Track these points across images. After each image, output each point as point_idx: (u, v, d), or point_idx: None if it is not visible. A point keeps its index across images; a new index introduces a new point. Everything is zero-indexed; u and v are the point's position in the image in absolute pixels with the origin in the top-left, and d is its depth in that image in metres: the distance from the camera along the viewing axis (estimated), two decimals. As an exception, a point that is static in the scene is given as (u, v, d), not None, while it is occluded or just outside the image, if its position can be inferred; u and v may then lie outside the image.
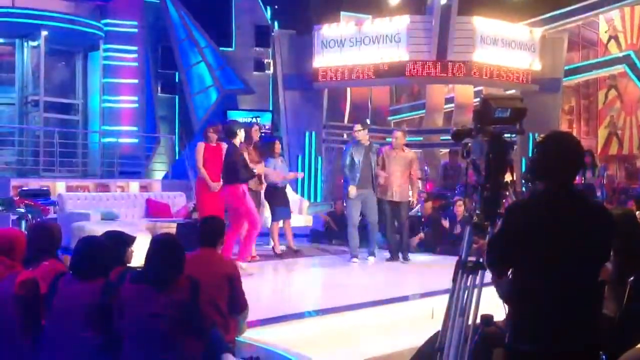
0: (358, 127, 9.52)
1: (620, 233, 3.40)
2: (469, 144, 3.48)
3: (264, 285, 7.97)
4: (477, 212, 3.44)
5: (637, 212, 5.82)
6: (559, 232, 2.84)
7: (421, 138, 16.44)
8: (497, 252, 2.98)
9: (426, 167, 16.46)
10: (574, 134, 17.83)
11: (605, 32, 19.52)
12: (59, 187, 12.61)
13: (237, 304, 4.49)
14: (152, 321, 3.61)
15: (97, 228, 8.33)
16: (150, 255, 3.76)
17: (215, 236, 4.65)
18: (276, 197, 9.66)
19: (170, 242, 3.86)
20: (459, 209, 10.31)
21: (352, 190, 9.16)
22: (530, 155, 14.27)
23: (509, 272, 3.00)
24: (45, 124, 15.42)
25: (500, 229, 2.93)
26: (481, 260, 3.36)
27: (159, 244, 3.82)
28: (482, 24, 13.88)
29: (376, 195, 9.26)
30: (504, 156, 3.44)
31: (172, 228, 9.27)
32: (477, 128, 3.47)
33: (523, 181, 8.31)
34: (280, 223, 9.88)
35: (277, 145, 10.12)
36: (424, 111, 16.70)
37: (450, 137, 3.64)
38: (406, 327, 5.99)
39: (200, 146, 8.95)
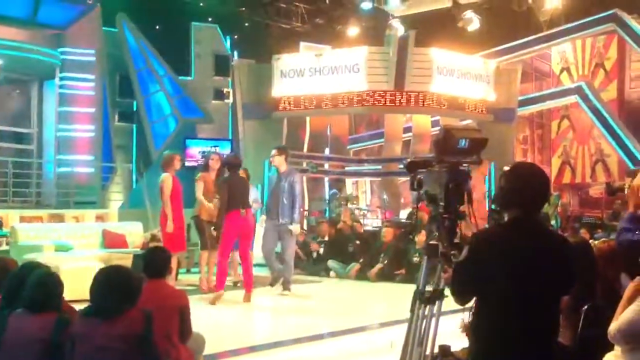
0: (274, 151, 9.38)
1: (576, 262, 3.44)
2: (420, 176, 3.50)
3: (221, 316, 7.87)
4: (434, 241, 3.47)
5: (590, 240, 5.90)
6: (523, 263, 2.87)
7: (380, 167, 16.56)
8: (461, 280, 2.99)
9: (385, 196, 16.59)
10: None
11: (558, 64, 20.06)
12: (12, 218, 12.32)
13: (185, 333, 4.47)
14: (102, 355, 3.52)
15: (50, 260, 8.15)
16: (93, 287, 3.68)
17: (162, 267, 4.57)
18: None
19: (115, 274, 3.77)
20: (421, 237, 10.36)
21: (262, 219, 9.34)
22: (487, 184, 14.46)
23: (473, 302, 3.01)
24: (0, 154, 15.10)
25: (466, 257, 2.94)
26: (440, 288, 3.37)
27: (103, 275, 3.74)
28: (438, 55, 14.12)
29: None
30: (462, 186, 3.48)
31: (128, 259, 9.12)
32: (437, 158, 3.50)
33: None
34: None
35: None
36: (382, 140, 16.84)
37: (405, 168, 3.65)
38: (365, 357, 5.97)
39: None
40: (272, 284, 9.37)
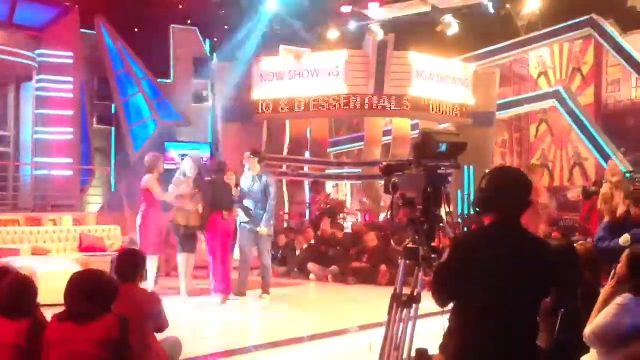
0: (247, 154, 9.31)
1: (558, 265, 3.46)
2: (395, 180, 3.50)
3: (199, 320, 7.83)
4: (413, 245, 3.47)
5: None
6: (503, 266, 2.88)
7: (360, 170, 16.58)
8: (442, 283, 2.99)
9: (365, 199, 16.61)
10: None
11: (536, 68, 20.23)
12: (-12, 221, 12.17)
13: (162, 328, 4.50)
14: (78, 359, 3.48)
15: (27, 264, 8.08)
16: (66, 292, 3.64)
17: (133, 270, 4.51)
18: None
19: (88, 278, 3.72)
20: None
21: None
22: (466, 187, 14.56)
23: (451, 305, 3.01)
24: (-25, 157, 14.93)
25: (447, 260, 2.94)
26: (416, 293, 3.38)
27: (76, 279, 3.69)
28: (417, 59, 14.17)
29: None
30: (440, 190, 3.49)
31: (106, 263, 9.04)
32: (416, 162, 3.50)
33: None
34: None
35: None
36: (362, 143, 16.86)
37: (380, 171, 3.65)
38: (344, 360, 5.97)
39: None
40: (239, 294, 9.03)
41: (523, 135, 21.05)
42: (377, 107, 13.83)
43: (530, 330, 3.00)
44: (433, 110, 14.32)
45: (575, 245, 4.38)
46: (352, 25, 17.74)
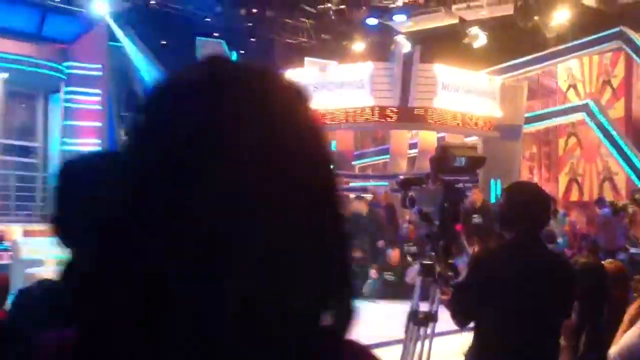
0: None
1: (585, 283, 3.36)
2: (412, 194, 3.44)
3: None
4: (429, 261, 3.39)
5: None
6: (524, 284, 2.80)
7: (386, 183, 16.46)
8: (461, 302, 2.91)
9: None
10: (535, 180, 18.09)
11: (565, 81, 19.97)
12: (15, 232, 12.28)
13: None
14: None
15: (51, 275, 8.11)
16: None
17: None
18: None
19: None
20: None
21: None
22: (493, 202, 14.38)
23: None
24: (4, 167, 15.10)
25: (467, 278, 2.87)
26: (432, 311, 3.30)
27: None
28: (443, 71, 14.08)
29: None
30: (458, 204, 3.42)
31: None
32: (434, 176, 3.44)
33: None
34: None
35: None
36: (388, 156, 16.77)
37: (397, 185, 3.58)
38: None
39: None
40: None
41: (552, 148, 20.77)
42: (402, 119, 13.76)
43: (551, 349, 2.91)
44: (459, 123, 14.20)
45: (603, 262, 4.25)
46: (378, 37, 17.71)
